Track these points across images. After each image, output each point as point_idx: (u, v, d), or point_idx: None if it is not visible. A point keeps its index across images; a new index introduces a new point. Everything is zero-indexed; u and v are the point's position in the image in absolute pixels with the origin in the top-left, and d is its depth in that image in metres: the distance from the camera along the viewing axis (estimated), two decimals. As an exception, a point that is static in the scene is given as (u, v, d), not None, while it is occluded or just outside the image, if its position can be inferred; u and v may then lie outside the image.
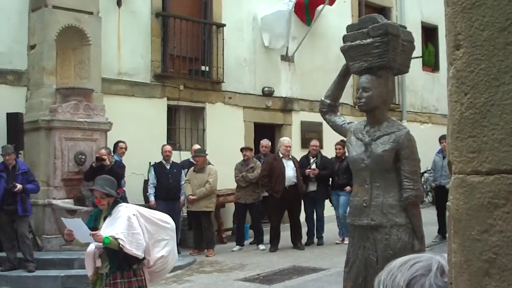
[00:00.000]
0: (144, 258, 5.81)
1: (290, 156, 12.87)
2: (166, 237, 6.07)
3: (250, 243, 13.34)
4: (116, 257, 5.64)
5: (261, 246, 12.83)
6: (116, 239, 5.49)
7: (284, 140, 13.18)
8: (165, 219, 6.20)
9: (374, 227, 5.08)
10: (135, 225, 5.66)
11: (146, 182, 12.91)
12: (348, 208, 6.02)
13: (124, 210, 5.78)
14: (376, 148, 5.09)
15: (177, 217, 12.37)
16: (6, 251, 10.20)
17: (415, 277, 1.69)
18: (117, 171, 11.18)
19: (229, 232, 14.11)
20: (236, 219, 13.42)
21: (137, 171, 12.92)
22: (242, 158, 13.04)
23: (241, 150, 13.17)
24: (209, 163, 12.63)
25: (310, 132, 16.37)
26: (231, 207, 13.87)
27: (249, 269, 10.82)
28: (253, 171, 12.75)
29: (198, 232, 12.63)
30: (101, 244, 5.58)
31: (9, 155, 10.04)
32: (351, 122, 5.52)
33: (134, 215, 5.74)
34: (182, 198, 12.50)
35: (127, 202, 11.34)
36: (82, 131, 11.47)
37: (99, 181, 6.04)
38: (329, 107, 5.65)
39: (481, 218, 1.44)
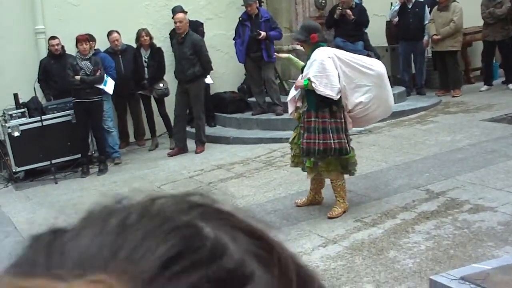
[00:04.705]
0: (340, 101, 5.97)
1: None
2: (368, 84, 6.02)
3: (502, 83, 12.73)
4: (313, 98, 5.93)
5: (511, 86, 12.19)
6: (311, 81, 5.83)
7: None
8: (370, 66, 6.11)
9: None
10: (327, 67, 5.82)
11: (388, 23, 12.71)
12: None
13: (319, 53, 5.94)
14: None
15: (420, 58, 12.28)
16: (255, 96, 10.88)
17: None
18: (358, 15, 11.11)
19: (477, 72, 13.55)
20: (484, 58, 12.79)
21: (378, 13, 12.74)
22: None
23: (487, -18, 12.29)
24: (454, 0, 12.00)
25: None
26: (478, 46, 13.21)
27: (497, 110, 10.39)
28: (501, 6, 11.88)
29: (443, 73, 12.34)
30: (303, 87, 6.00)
31: (251, 5, 10.41)
32: None
33: (329, 57, 5.89)
34: (425, 38, 12.15)
35: (369, 45, 11.49)
36: (321, -25, 11.46)
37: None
38: None
39: None
